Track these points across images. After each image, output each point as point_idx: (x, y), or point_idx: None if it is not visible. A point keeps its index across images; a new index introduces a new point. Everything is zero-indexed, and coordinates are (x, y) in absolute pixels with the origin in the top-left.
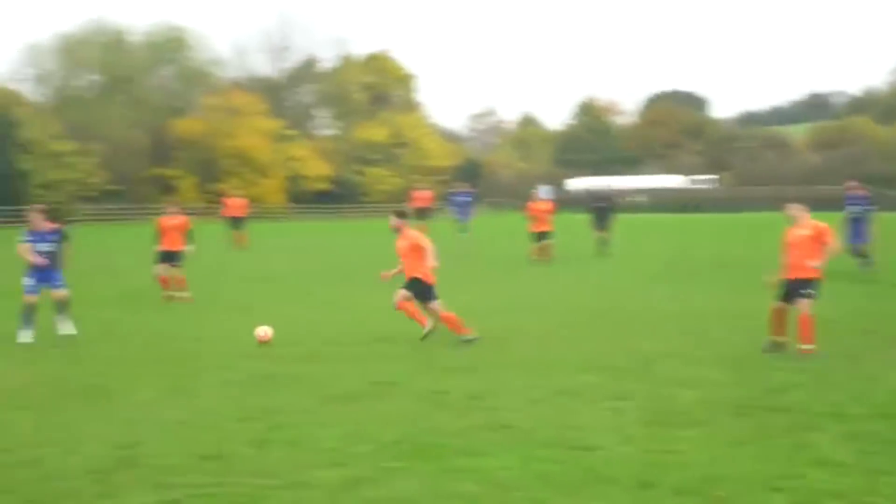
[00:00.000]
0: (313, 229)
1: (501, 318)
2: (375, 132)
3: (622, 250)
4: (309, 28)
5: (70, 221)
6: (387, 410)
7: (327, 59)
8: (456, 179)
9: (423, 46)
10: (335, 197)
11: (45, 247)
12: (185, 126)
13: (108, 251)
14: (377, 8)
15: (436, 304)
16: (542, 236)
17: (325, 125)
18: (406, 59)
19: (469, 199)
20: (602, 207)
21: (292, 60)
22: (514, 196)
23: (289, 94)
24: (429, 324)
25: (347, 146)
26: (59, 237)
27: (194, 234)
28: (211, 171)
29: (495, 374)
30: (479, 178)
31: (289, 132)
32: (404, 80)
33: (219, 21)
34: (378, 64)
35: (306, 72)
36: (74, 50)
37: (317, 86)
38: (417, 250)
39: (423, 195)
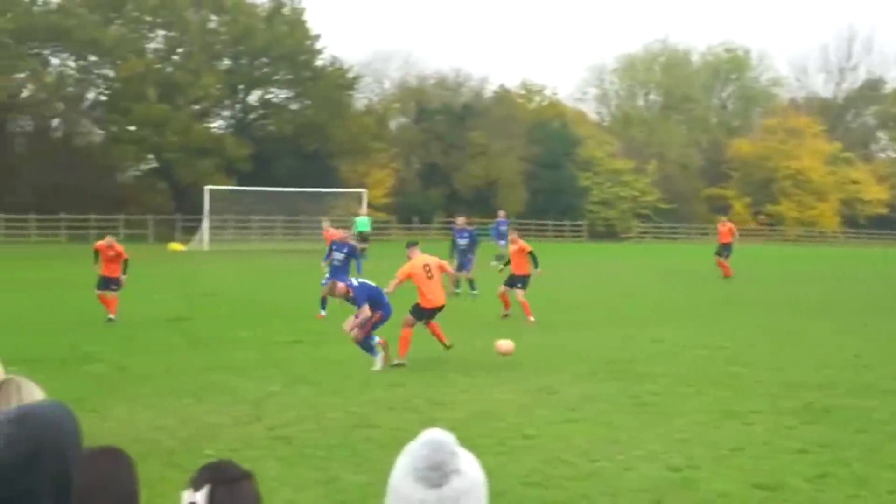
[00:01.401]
0: (867, 256)
1: None
2: None
3: None
4: (874, 45)
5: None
6: None
7: (893, 78)
8: None
9: None
10: (893, 222)
11: None
12: (741, 146)
13: (659, 267)
14: None
15: None
16: None
17: (886, 148)
18: None
19: None
20: None
21: (854, 80)
22: None
23: (848, 115)
24: None
25: None
26: None
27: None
28: (766, 192)
29: None
30: None
31: (846, 155)
32: None
33: (779, 39)
34: None
35: (869, 92)
36: (636, 70)
37: (879, 107)
38: None
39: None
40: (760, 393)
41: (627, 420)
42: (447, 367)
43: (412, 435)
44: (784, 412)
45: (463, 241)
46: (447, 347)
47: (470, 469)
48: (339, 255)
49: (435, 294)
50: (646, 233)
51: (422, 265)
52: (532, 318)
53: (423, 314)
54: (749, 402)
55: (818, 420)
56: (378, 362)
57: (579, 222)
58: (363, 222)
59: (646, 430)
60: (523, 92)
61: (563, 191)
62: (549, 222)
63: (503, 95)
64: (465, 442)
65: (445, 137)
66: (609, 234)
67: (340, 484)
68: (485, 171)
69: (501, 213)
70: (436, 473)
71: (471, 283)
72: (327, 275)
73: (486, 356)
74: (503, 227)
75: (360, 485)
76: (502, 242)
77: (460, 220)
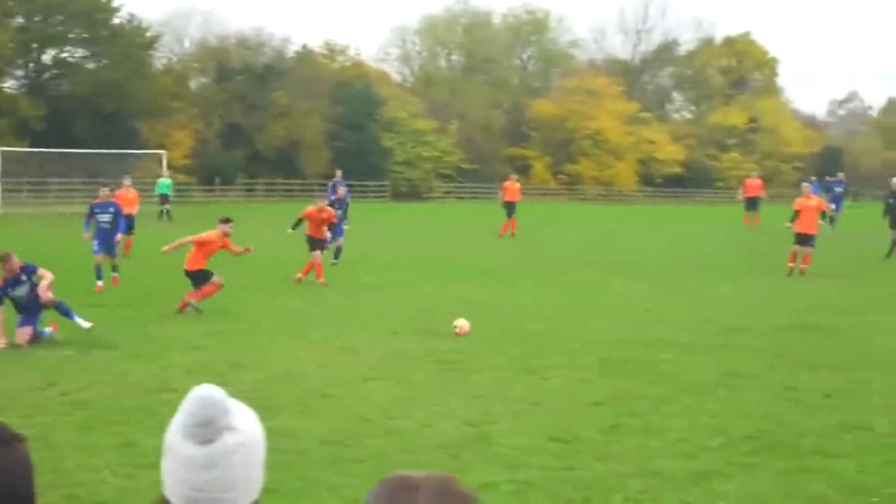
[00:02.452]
0: (663, 213)
1: (863, 315)
2: (732, 117)
3: None
4: (669, 9)
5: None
6: (739, 403)
7: (687, 41)
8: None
9: (786, 28)
10: (687, 181)
11: None
12: (542, 107)
13: (462, 227)
14: None
15: None
16: None
17: (681, 109)
18: (768, 41)
19: (842, 188)
20: None
21: (651, 43)
22: (877, 186)
23: (645, 76)
24: None
25: (702, 130)
26: None
27: None
28: (565, 152)
29: (853, 372)
30: (839, 167)
31: (643, 115)
32: (765, 63)
33: (577, 2)
34: (739, 47)
35: (664, 54)
36: (438, 31)
37: (674, 69)
38: None
39: (754, 183)
40: (558, 348)
41: (427, 378)
42: (248, 329)
43: None
44: (580, 366)
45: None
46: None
47: (244, 426)
48: (105, 217)
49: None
50: (448, 193)
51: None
52: (322, 280)
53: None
54: (547, 357)
55: (612, 373)
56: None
57: (383, 183)
58: (165, 184)
59: (445, 388)
60: (326, 52)
61: (367, 151)
62: (353, 183)
63: (306, 55)
64: (265, 402)
65: (247, 98)
66: (412, 194)
67: (138, 448)
68: (287, 131)
69: (339, 173)
70: (204, 430)
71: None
72: (96, 243)
73: (288, 318)
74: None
75: (157, 448)
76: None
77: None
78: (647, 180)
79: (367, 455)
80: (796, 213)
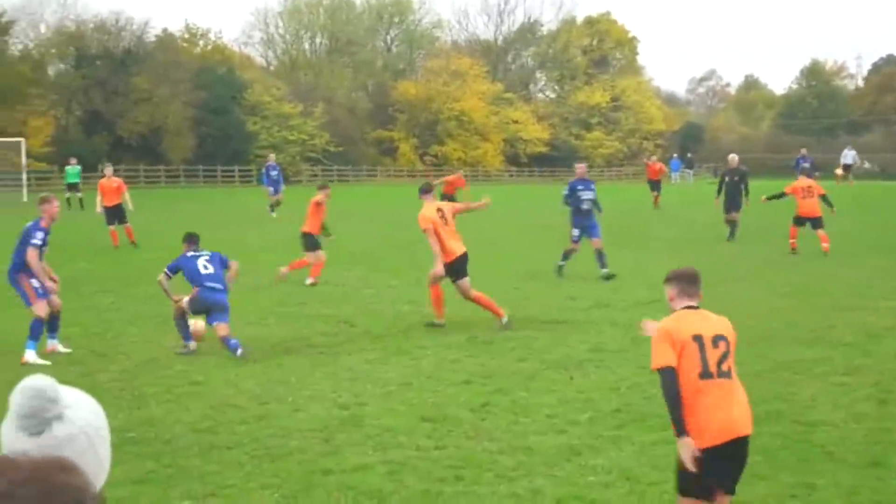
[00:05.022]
0: (529, 192)
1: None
2: (595, 95)
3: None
4: None
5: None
6: (605, 378)
7: (549, 21)
8: (675, 144)
9: (645, 7)
10: (552, 160)
11: None
12: (406, 88)
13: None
14: None
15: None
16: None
17: (544, 89)
18: (628, 20)
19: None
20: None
21: (513, 23)
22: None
23: (509, 57)
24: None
25: (566, 109)
26: None
27: None
28: (431, 133)
29: None
30: (699, 143)
31: (508, 95)
32: (626, 42)
33: None
34: (600, 26)
35: (527, 35)
36: (301, 13)
37: (537, 49)
38: None
39: (655, 167)
40: (426, 329)
41: (297, 362)
42: (113, 319)
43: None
44: (449, 346)
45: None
46: None
47: (77, 415)
48: None
49: None
50: (315, 176)
51: None
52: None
53: None
54: (416, 338)
55: (481, 352)
56: None
57: (248, 167)
58: (74, 172)
59: (315, 371)
60: (187, 36)
61: (232, 136)
62: (219, 167)
63: (166, 40)
64: (133, 392)
65: (107, 83)
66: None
67: None
68: (150, 117)
69: (271, 157)
70: (32, 421)
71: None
72: None
73: (152, 305)
74: (273, 173)
75: None
76: (272, 189)
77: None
78: (513, 160)
79: (237, 441)
80: (787, 196)
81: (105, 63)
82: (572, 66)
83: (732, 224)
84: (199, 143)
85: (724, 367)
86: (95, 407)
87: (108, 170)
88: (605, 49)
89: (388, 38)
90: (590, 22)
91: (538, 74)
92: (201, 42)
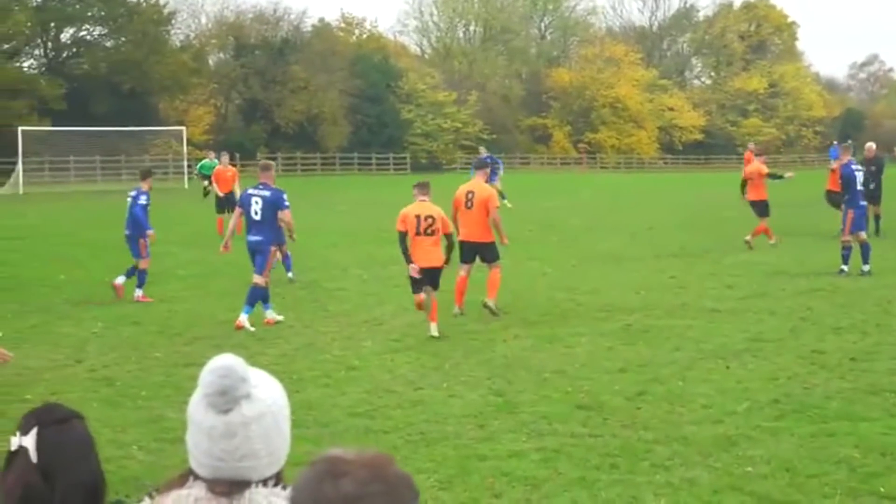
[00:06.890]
0: (685, 180)
1: (885, 277)
2: (752, 82)
3: None
4: None
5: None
6: (764, 368)
7: (705, 6)
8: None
9: None
10: (708, 148)
11: None
12: (560, 76)
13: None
14: None
15: None
16: None
17: (700, 75)
18: (787, 5)
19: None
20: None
21: (668, 9)
22: None
23: (664, 43)
24: None
25: (722, 96)
26: None
27: None
28: (585, 120)
29: (878, 335)
30: (860, 130)
31: (662, 82)
32: (785, 27)
33: None
34: (758, 11)
35: (682, 21)
36: (455, 1)
37: (693, 34)
38: None
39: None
40: (582, 316)
41: (452, 349)
42: (273, 303)
43: None
44: (604, 334)
45: None
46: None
47: (264, 395)
48: None
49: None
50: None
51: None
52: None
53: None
54: (570, 325)
55: (636, 340)
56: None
57: (402, 155)
58: (207, 165)
59: (470, 358)
60: (343, 25)
61: (386, 124)
62: (373, 155)
63: (323, 29)
64: (291, 375)
65: (265, 73)
66: (433, 166)
67: (165, 423)
68: (307, 105)
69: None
70: (222, 399)
71: None
72: None
73: (310, 290)
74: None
75: (184, 422)
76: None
77: None
78: (667, 148)
79: (393, 426)
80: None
81: (263, 52)
82: (729, 52)
83: (875, 219)
84: (354, 130)
85: None
86: (279, 387)
87: (225, 158)
88: (763, 34)
89: (542, 25)
90: (747, 7)
91: (694, 61)
92: (357, 31)
